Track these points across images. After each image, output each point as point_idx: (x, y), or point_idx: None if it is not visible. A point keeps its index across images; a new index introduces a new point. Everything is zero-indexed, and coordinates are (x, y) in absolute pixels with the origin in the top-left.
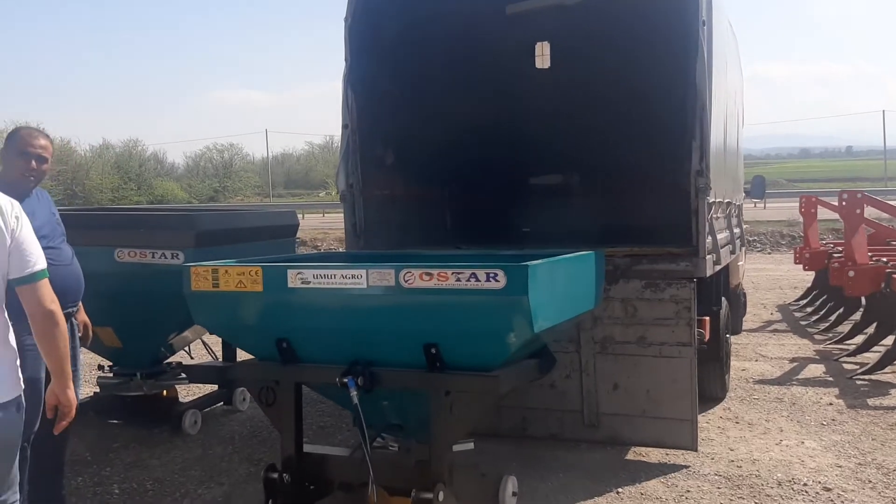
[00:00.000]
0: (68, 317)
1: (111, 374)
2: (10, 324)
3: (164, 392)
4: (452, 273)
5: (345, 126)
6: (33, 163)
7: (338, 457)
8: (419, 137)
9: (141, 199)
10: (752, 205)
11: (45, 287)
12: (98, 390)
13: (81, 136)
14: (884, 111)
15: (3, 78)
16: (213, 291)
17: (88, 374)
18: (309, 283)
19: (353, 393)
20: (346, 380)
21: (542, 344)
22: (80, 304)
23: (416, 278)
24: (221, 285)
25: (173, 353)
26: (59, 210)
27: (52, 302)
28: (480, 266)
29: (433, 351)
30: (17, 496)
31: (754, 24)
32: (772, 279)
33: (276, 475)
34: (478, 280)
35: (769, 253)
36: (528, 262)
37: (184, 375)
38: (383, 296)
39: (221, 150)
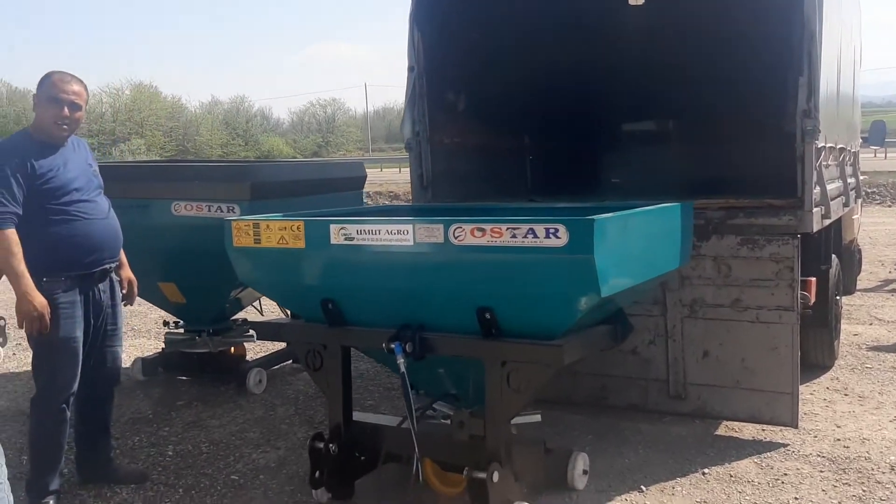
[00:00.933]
0: (106, 273)
1: (180, 331)
2: None
3: (233, 349)
4: (507, 228)
5: (410, 68)
6: (65, 109)
7: (390, 427)
8: (494, 80)
9: (248, 154)
10: (872, 154)
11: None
12: (164, 347)
13: (192, 94)
14: None
15: (122, 40)
16: (255, 248)
17: (157, 330)
18: (353, 239)
19: (401, 360)
20: (392, 346)
21: (617, 307)
22: (124, 259)
23: (467, 234)
24: (263, 241)
25: (241, 308)
26: (128, 163)
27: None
28: (541, 220)
29: (488, 316)
30: None
31: None
32: (891, 234)
33: (322, 445)
34: (536, 237)
35: (889, 206)
36: (593, 216)
37: (251, 332)
38: (432, 254)
39: (324, 106)
